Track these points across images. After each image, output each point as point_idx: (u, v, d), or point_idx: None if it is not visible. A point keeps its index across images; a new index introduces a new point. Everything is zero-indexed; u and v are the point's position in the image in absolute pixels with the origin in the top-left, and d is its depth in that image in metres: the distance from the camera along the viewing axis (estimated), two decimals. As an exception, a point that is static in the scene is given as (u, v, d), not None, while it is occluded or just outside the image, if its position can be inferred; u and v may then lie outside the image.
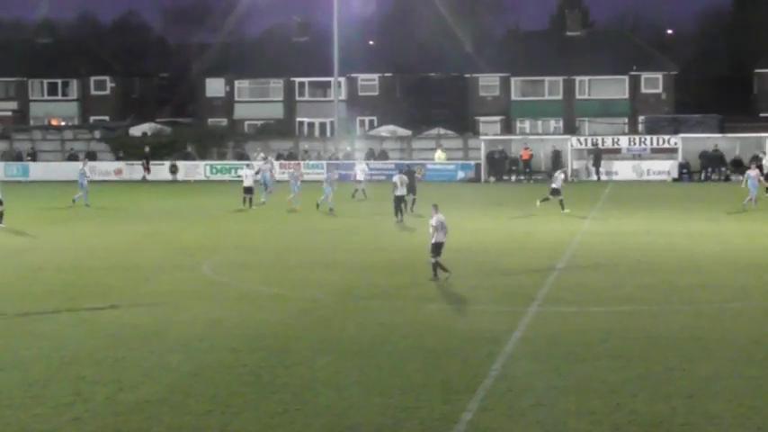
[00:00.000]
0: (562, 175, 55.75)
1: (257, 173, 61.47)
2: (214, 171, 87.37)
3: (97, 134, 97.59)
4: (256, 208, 57.91)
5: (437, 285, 32.58)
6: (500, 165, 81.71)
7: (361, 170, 66.46)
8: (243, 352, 24.08)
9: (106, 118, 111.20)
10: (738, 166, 78.30)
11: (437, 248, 32.54)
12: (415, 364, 22.86)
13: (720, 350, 23.87)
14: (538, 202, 54.56)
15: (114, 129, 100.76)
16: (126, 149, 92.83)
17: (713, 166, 79.06)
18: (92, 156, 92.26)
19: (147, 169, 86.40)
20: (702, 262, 37.19)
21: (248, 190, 58.59)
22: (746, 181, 54.61)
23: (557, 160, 79.86)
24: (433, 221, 32.56)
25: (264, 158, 71.47)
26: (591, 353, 23.70)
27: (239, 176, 64.39)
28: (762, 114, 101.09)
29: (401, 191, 50.42)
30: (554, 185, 54.28)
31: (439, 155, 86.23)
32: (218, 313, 28.60)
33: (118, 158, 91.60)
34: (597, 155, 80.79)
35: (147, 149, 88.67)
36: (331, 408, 19.80)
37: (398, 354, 23.82)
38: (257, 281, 34.03)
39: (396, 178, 51.13)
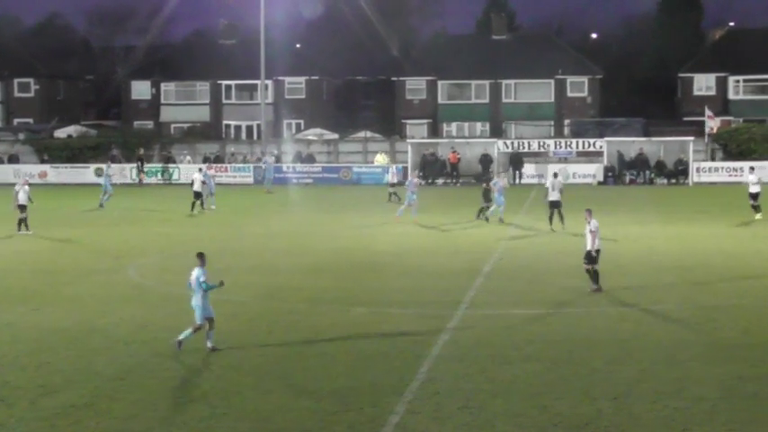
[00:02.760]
0: (754, 177, 51.50)
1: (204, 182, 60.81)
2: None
3: (21, 136, 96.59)
4: (197, 212, 57.19)
5: (362, 289, 32.64)
6: (432, 168, 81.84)
7: (393, 173, 66.34)
8: (168, 356, 23.94)
9: (30, 120, 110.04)
10: (662, 170, 79.20)
11: (597, 255, 31.55)
12: (343, 367, 22.86)
13: (644, 352, 24.10)
14: (758, 216, 50.68)
15: (39, 131, 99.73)
16: (50, 152, 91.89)
17: (638, 169, 79.80)
18: (14, 158, 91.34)
19: (142, 172, 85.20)
20: (627, 264, 37.50)
21: (197, 195, 58.03)
22: None
23: (486, 164, 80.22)
24: (591, 227, 31.60)
25: (208, 166, 71.30)
26: (517, 355, 23.82)
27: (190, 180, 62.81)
28: (686, 118, 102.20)
29: (554, 196, 47.45)
30: (753, 190, 50.77)
31: (378, 158, 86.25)
32: (144, 317, 28.43)
33: (42, 161, 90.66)
34: (517, 159, 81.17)
35: (141, 151, 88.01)
36: (258, 411, 19.74)
37: (326, 357, 23.80)
38: (184, 284, 33.68)
39: (548, 183, 48.63)
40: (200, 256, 24.67)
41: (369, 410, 19.71)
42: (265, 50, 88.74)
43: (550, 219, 47.45)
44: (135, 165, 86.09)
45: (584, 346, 24.75)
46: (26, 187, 48.54)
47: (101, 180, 62.93)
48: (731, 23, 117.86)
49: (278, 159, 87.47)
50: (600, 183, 79.08)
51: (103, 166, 67.29)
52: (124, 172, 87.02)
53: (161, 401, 20.34)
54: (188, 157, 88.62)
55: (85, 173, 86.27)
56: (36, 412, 19.78)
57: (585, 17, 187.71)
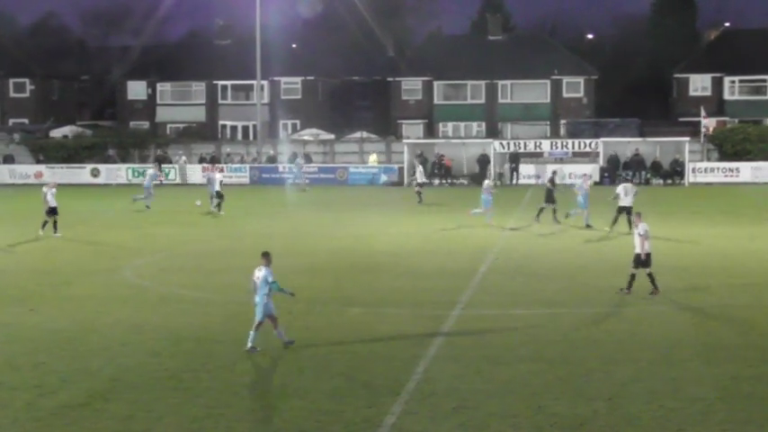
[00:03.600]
0: None
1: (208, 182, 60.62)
2: (136, 174, 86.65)
3: (16, 137, 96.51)
4: (202, 209, 57.01)
5: (358, 290, 32.68)
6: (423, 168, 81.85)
7: (420, 172, 65.98)
8: (165, 356, 23.94)
9: (25, 120, 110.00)
10: (658, 170, 79.20)
11: (648, 259, 31.16)
12: (339, 367, 22.86)
13: (640, 352, 24.11)
14: None
15: (34, 132, 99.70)
16: (46, 152, 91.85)
17: (634, 169, 79.76)
18: (10, 159, 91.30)
19: (161, 172, 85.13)
20: (623, 264, 37.43)
21: (219, 195, 57.66)
22: None
23: (483, 164, 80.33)
24: (640, 230, 31.17)
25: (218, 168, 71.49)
26: (513, 356, 23.83)
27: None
28: (681, 119, 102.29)
29: (626, 201, 45.96)
30: None
31: (372, 159, 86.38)
32: (140, 317, 28.41)
33: (38, 161, 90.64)
34: (515, 158, 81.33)
35: (158, 152, 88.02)
36: (254, 412, 19.75)
37: (322, 357, 23.81)
38: (180, 285, 33.83)
39: (620, 188, 47.18)
40: (266, 255, 24.66)
41: (365, 411, 19.72)
42: (261, 51, 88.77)
43: (614, 221, 46.23)
44: (154, 164, 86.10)
45: (579, 346, 24.77)
46: (54, 190, 47.90)
47: (144, 182, 62.58)
48: (726, 24, 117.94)
49: (273, 160, 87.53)
50: (596, 183, 78.95)
51: (150, 167, 67.07)
52: (119, 172, 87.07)
53: (157, 402, 20.33)
54: (183, 158, 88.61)
55: (81, 173, 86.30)
56: (32, 413, 19.77)
57: (580, 18, 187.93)
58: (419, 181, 64.56)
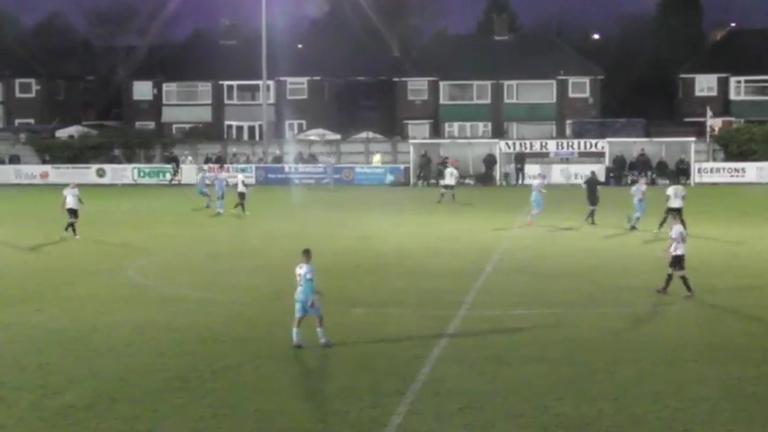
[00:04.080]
0: None
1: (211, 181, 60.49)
2: (142, 174, 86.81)
3: (22, 137, 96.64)
4: (239, 214, 56.82)
5: (363, 290, 32.67)
6: (427, 169, 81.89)
7: (450, 174, 65.38)
8: (169, 356, 23.93)
9: (31, 121, 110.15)
10: (664, 170, 79.16)
11: (678, 261, 30.88)
12: (344, 367, 22.85)
13: (644, 352, 24.08)
14: None
15: (39, 132, 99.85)
16: (52, 152, 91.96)
17: (640, 170, 79.72)
18: (15, 159, 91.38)
19: (176, 174, 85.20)
20: (628, 264, 37.51)
21: (242, 195, 57.17)
22: None
23: (490, 164, 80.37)
24: (673, 233, 31.06)
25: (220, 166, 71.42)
26: (518, 356, 23.80)
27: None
28: (686, 119, 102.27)
29: (676, 203, 45.17)
30: None
31: (377, 159, 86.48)
32: (145, 317, 28.41)
33: (43, 162, 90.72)
34: (521, 159, 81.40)
35: (173, 152, 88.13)
36: (259, 412, 19.73)
37: (327, 358, 23.81)
38: (184, 285, 33.83)
39: (670, 190, 46.47)
40: (306, 252, 24.96)
41: (370, 411, 19.71)
42: (267, 51, 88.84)
43: (662, 223, 45.06)
44: (171, 165, 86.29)
45: (584, 346, 24.75)
46: (75, 190, 47.24)
47: (203, 186, 62.12)
48: (732, 24, 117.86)
49: (279, 160, 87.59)
50: (600, 183, 78.79)
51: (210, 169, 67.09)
52: (125, 172, 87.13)
53: (162, 402, 20.34)
54: (189, 158, 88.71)
55: (87, 173, 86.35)
56: (36, 413, 19.77)
57: (585, 18, 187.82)
58: (446, 183, 64.05)
